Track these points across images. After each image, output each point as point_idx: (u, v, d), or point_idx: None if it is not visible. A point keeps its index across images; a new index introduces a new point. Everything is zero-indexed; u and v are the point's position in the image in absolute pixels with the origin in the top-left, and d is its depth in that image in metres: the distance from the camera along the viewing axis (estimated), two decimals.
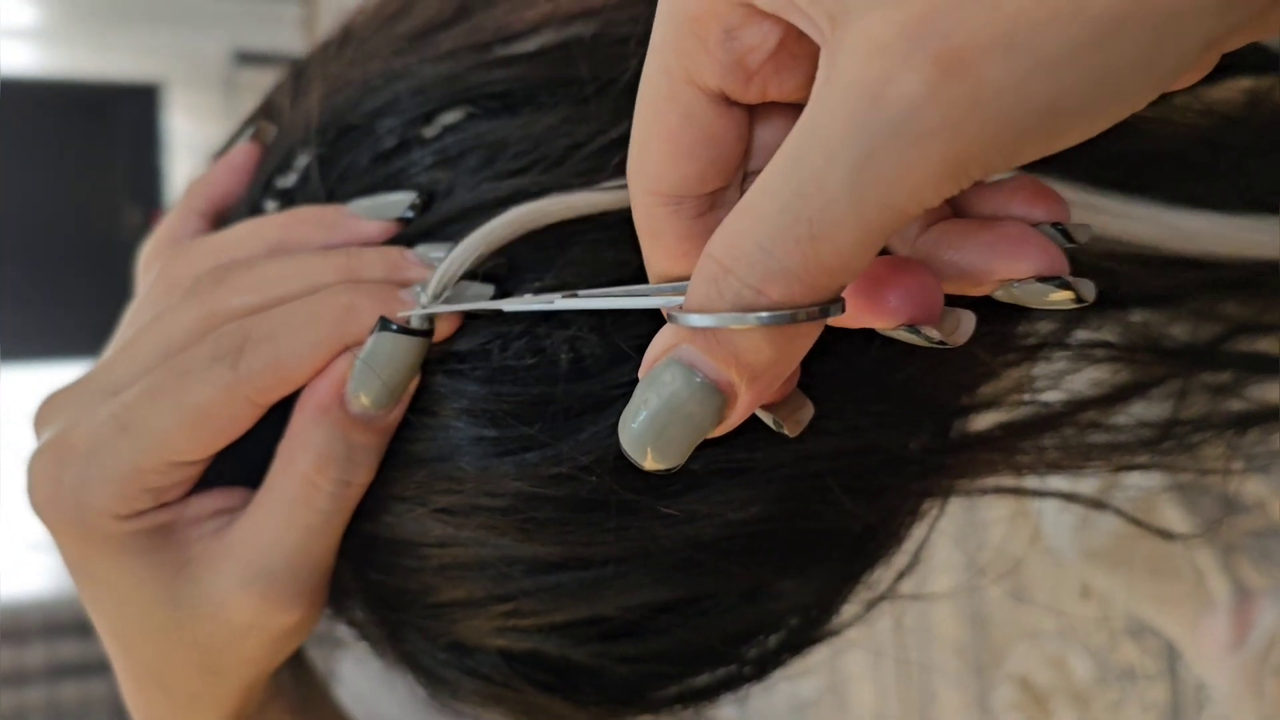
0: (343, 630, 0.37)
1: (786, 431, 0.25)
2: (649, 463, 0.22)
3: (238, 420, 0.29)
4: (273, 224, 0.31)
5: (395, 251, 0.30)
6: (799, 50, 0.22)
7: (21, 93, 2.18)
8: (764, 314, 0.20)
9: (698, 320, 0.21)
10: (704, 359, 0.21)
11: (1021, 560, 0.53)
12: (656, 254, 0.24)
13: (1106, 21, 0.17)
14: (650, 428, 0.22)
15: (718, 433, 0.22)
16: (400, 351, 0.29)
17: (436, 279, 0.28)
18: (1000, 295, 0.23)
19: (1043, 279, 0.22)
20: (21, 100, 2.16)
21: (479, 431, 0.29)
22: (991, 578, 0.50)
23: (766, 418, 0.25)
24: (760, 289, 0.20)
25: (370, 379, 0.29)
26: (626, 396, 0.28)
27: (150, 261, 0.33)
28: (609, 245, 0.28)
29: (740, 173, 0.24)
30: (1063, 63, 0.17)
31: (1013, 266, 0.22)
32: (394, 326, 0.29)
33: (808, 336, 0.21)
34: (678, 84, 0.22)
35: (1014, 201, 0.23)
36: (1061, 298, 0.22)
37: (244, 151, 0.35)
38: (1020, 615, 0.56)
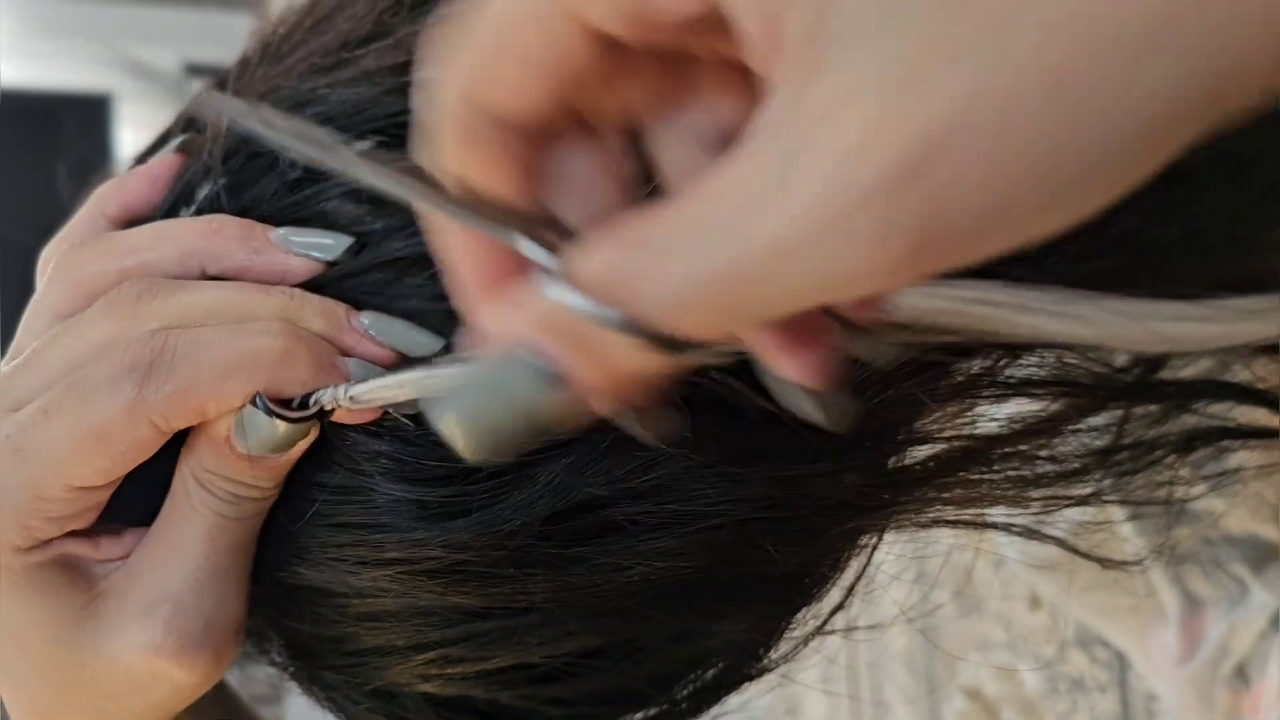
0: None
1: (642, 436, 0.22)
2: (466, 452, 0.19)
3: (140, 444, 0.27)
4: (190, 230, 0.29)
5: (339, 310, 0.28)
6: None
7: None
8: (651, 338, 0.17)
9: (595, 310, 0.18)
10: (575, 362, 0.18)
11: (971, 570, 0.53)
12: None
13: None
14: (481, 420, 0.19)
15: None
16: (278, 434, 0.27)
17: (366, 391, 0.26)
18: None
19: None
20: None
21: (396, 494, 0.28)
22: (944, 593, 0.49)
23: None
24: (667, 311, 0.17)
25: (253, 442, 0.27)
26: (549, 458, 0.27)
27: (48, 262, 0.31)
28: None
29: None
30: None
31: None
32: (279, 414, 0.27)
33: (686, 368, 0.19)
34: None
35: None
36: None
37: (166, 162, 0.32)
38: (971, 626, 0.56)
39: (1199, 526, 0.45)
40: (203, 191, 0.31)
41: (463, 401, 0.19)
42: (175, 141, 0.33)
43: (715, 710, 0.34)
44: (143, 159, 0.34)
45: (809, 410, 0.22)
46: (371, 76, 0.29)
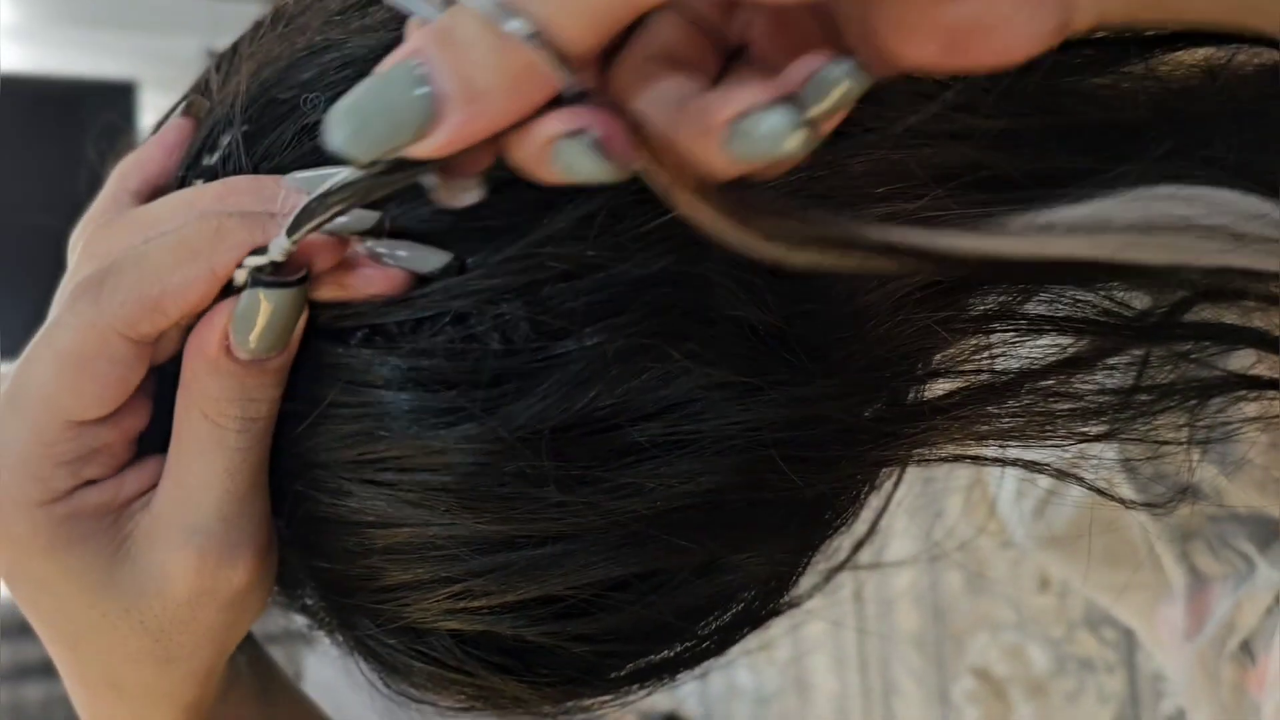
0: (299, 621, 0.36)
1: (440, 198, 0.25)
2: (341, 141, 0.23)
3: (119, 362, 0.28)
4: (206, 195, 0.30)
5: (269, 181, 0.29)
6: None
7: None
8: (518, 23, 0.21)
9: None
10: (437, 58, 0.22)
11: (979, 550, 0.53)
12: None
13: None
14: (357, 107, 0.22)
15: (416, 152, 0.23)
16: (277, 305, 0.27)
17: (299, 213, 0.27)
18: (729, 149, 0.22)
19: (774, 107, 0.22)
20: None
21: (410, 402, 0.28)
22: (948, 551, 0.50)
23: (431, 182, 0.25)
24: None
25: (253, 336, 0.28)
26: (560, 367, 0.27)
27: (78, 242, 0.32)
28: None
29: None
30: None
31: (731, 103, 0.22)
32: (269, 284, 0.27)
33: (536, 88, 0.22)
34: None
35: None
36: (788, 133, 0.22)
37: (177, 128, 0.33)
38: (979, 606, 0.56)
39: (1205, 504, 0.45)
40: (225, 139, 0.32)
41: (353, 97, 0.23)
42: (182, 105, 0.34)
43: (733, 656, 0.35)
44: (158, 129, 0.35)
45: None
46: (387, 24, 0.30)
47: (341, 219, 0.27)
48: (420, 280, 0.28)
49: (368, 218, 0.28)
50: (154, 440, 0.31)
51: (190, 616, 0.30)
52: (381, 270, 0.28)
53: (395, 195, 0.28)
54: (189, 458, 0.29)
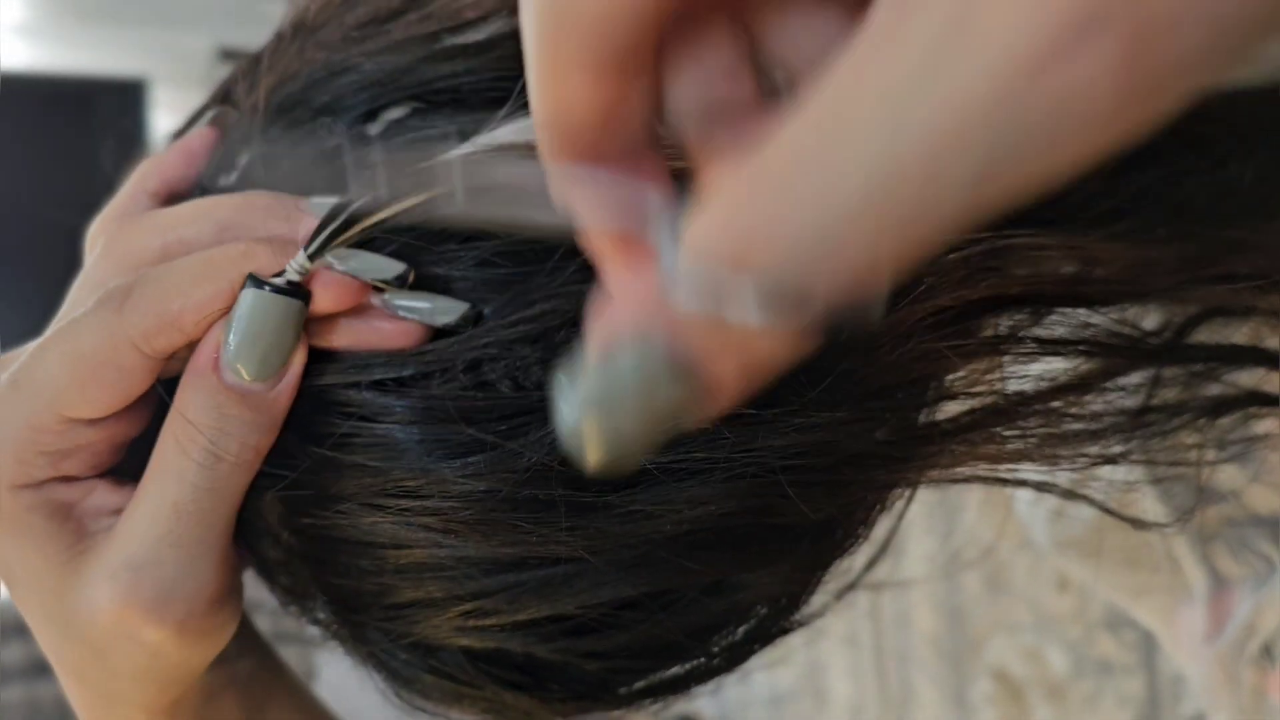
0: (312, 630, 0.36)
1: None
2: (595, 456, 0.18)
3: (128, 371, 0.28)
4: (225, 205, 0.30)
5: (289, 199, 0.29)
6: None
7: (7, 87, 2.17)
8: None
9: (716, 307, 0.15)
10: (696, 348, 0.16)
11: (998, 551, 0.53)
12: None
13: None
14: (608, 421, 0.17)
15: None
16: (268, 312, 0.28)
17: (315, 232, 0.27)
18: None
19: None
20: (7, 94, 2.16)
21: (421, 436, 0.28)
22: (965, 564, 0.49)
23: None
24: (806, 261, 0.14)
25: (240, 342, 0.28)
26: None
27: (96, 238, 0.32)
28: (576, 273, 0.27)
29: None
30: None
31: None
32: (266, 286, 0.27)
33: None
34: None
35: None
36: None
37: (201, 136, 0.34)
38: (997, 608, 0.56)
39: (1226, 506, 0.45)
40: (243, 159, 0.32)
41: (592, 395, 0.17)
42: (208, 115, 0.34)
43: (748, 665, 0.35)
44: (180, 134, 0.35)
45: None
46: (403, 46, 0.30)
47: (363, 265, 0.28)
48: (436, 333, 0.28)
49: (392, 268, 0.28)
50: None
51: (119, 648, 0.30)
52: (396, 324, 0.28)
53: (419, 244, 0.28)
54: (149, 482, 0.29)
